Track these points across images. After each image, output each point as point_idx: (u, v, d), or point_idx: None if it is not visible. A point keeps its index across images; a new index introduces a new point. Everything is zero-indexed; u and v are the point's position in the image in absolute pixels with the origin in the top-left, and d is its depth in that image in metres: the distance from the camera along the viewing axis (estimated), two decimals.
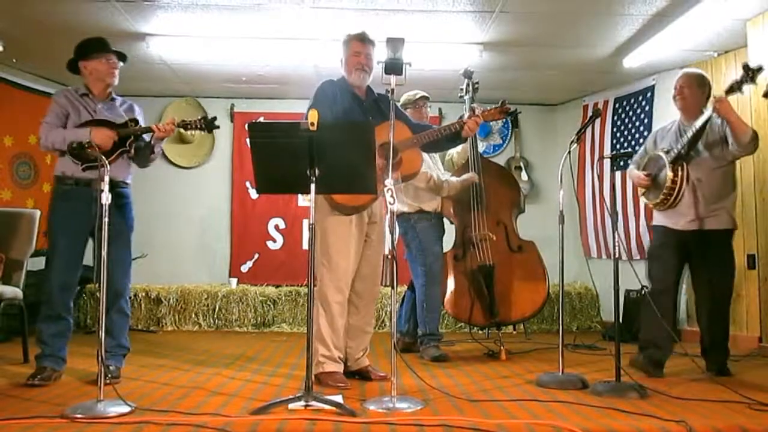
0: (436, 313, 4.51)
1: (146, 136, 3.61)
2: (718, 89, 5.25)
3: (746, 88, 3.49)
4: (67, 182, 3.49)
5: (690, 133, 3.61)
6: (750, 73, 3.36)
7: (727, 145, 3.64)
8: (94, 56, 3.57)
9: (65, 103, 3.53)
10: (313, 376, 3.41)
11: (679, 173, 3.62)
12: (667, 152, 3.68)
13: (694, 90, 3.73)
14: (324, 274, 3.46)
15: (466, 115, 4.74)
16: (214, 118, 3.63)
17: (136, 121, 3.61)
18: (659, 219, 3.85)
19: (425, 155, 4.45)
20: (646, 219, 5.69)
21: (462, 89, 4.82)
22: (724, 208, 3.71)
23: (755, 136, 3.55)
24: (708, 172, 3.67)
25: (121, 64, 3.66)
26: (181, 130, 6.45)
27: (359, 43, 3.52)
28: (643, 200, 3.96)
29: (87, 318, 5.96)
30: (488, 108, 3.61)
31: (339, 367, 3.47)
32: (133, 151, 3.59)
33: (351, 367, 3.60)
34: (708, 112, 3.53)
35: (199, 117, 3.67)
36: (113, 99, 3.68)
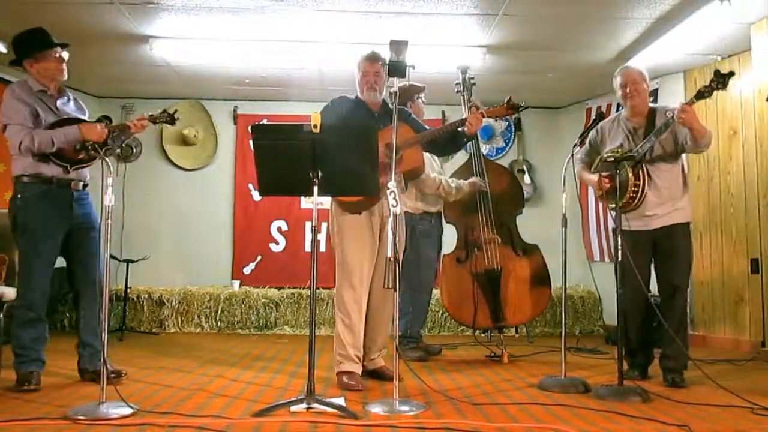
0: (421, 318, 4.61)
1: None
2: (720, 93, 5.28)
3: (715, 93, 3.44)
4: (45, 183, 3.36)
5: (649, 140, 3.58)
6: (721, 79, 3.34)
7: (678, 144, 3.65)
8: (39, 54, 3.40)
9: (31, 101, 3.35)
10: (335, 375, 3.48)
11: (641, 175, 3.62)
12: (624, 155, 3.62)
13: (642, 84, 3.72)
14: (339, 275, 3.52)
15: (466, 111, 4.78)
16: (176, 111, 3.64)
17: (110, 118, 3.59)
18: (626, 223, 3.74)
19: (428, 159, 4.46)
20: None
21: (458, 83, 4.83)
22: (683, 201, 3.71)
23: (710, 139, 3.58)
24: (664, 171, 3.68)
25: (66, 53, 3.49)
26: (185, 132, 6.57)
27: (367, 62, 3.64)
28: (603, 203, 3.89)
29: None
30: (494, 105, 3.63)
31: (356, 367, 3.49)
32: None
33: (367, 367, 3.63)
34: (668, 117, 3.50)
35: (161, 111, 3.66)
36: (66, 95, 3.58)
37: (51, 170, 3.37)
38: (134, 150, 3.58)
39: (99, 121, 3.50)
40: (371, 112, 3.66)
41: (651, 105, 3.76)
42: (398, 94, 3.16)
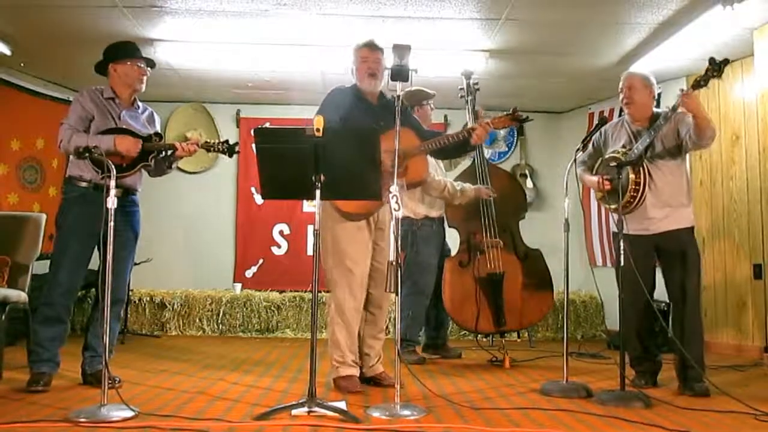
0: (420, 322, 4.59)
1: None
2: (723, 98, 5.30)
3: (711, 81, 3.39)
4: (84, 185, 3.46)
5: (647, 135, 3.54)
6: (717, 67, 3.28)
7: (680, 140, 3.59)
8: (126, 60, 3.56)
9: (91, 106, 3.48)
10: (331, 381, 3.48)
11: (641, 174, 3.56)
12: (625, 154, 3.59)
13: (641, 91, 3.68)
14: (338, 282, 3.47)
15: (470, 117, 4.78)
16: (236, 144, 3.64)
17: (160, 136, 3.62)
18: (625, 226, 3.63)
19: (432, 162, 4.46)
20: None
21: (462, 89, 4.83)
22: (685, 205, 3.65)
23: (715, 132, 3.51)
24: (665, 171, 3.62)
25: (150, 70, 3.67)
26: (188, 135, 6.57)
27: (367, 49, 3.57)
28: (603, 205, 3.86)
29: (85, 321, 5.95)
30: (499, 115, 3.59)
31: (353, 371, 3.49)
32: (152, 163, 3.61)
33: (366, 374, 3.61)
34: (669, 109, 3.48)
35: (221, 140, 3.65)
36: (137, 106, 3.68)
37: (91, 174, 3.44)
38: None
39: (149, 138, 3.53)
40: (369, 105, 3.59)
41: (655, 110, 3.73)
42: (400, 97, 3.15)
